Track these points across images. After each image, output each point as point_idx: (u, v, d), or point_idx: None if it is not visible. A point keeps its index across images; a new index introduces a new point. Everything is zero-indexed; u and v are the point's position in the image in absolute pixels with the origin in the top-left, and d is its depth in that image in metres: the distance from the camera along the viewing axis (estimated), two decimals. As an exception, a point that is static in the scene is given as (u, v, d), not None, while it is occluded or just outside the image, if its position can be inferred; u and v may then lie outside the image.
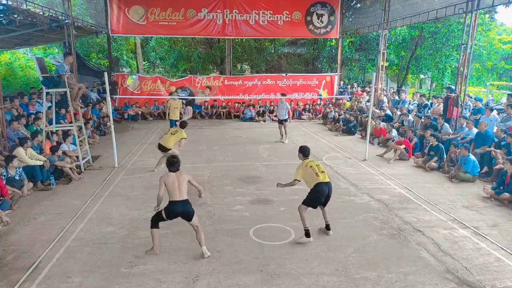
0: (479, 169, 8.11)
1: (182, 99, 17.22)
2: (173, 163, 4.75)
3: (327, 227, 5.48)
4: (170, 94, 11.74)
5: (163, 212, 4.70)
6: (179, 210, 4.67)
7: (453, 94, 10.82)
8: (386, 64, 17.97)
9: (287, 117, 11.83)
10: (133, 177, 8.15)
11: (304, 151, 5.56)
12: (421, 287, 4.20)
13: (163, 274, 4.41)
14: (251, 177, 8.16)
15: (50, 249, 4.96)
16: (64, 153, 8.53)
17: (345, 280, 4.31)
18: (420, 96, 14.18)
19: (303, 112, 17.22)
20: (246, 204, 6.60)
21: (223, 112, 17.19)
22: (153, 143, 11.52)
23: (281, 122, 11.89)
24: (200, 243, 4.82)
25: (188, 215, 4.72)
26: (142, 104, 17.05)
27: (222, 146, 11.17)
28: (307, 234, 5.19)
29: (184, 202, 4.69)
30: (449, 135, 9.98)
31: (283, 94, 12.80)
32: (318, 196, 5.20)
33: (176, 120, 11.30)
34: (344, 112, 15.11)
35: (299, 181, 5.33)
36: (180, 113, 12.18)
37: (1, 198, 6.16)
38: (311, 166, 5.33)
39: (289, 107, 12.29)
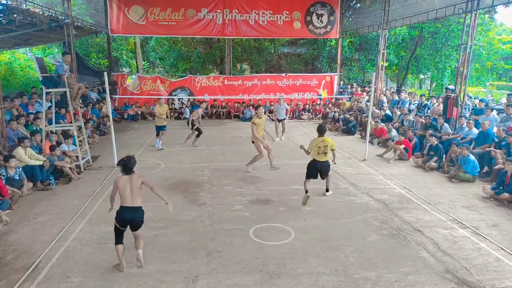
0: (478, 169, 8.12)
1: (180, 98, 17.30)
2: (124, 165, 4.37)
3: (326, 190, 7.06)
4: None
5: (115, 222, 4.37)
6: (128, 216, 4.32)
7: (453, 94, 10.83)
8: (385, 64, 17.98)
9: (286, 116, 12.13)
10: (133, 177, 8.14)
11: (319, 130, 6.77)
12: (421, 287, 4.20)
13: (163, 274, 4.40)
14: (251, 177, 8.16)
15: (50, 249, 4.96)
16: (64, 153, 8.53)
17: (344, 280, 4.31)
18: (421, 96, 14.21)
19: (303, 112, 17.23)
20: (246, 204, 6.60)
21: (223, 112, 17.19)
22: (153, 143, 11.52)
23: (280, 121, 12.11)
24: (137, 247, 4.46)
25: (136, 224, 4.37)
26: (142, 104, 17.05)
27: (222, 146, 11.16)
28: (306, 192, 6.60)
29: (134, 209, 4.33)
30: (449, 135, 9.99)
31: (280, 98, 12.86)
32: (311, 168, 6.69)
33: (163, 126, 10.71)
34: (343, 112, 15.12)
35: (310, 153, 6.68)
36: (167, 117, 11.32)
37: (1, 198, 6.15)
38: (319, 147, 6.59)
39: (288, 107, 12.51)
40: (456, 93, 10.68)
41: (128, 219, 4.34)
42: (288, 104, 17.21)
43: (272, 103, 17.03)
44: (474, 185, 7.81)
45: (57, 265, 4.57)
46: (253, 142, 8.59)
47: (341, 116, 14.41)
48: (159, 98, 11.50)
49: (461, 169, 8.12)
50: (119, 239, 4.44)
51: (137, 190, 4.37)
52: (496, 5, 11.57)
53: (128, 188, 4.33)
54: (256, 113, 8.74)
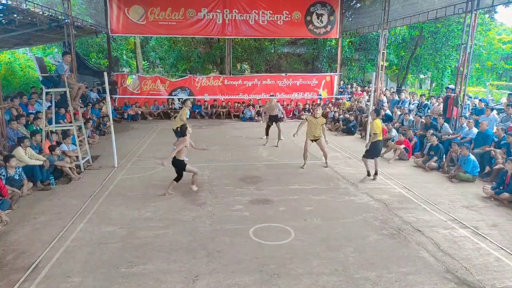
0: (478, 169, 8.12)
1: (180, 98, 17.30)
2: (178, 131, 6.93)
3: (376, 173, 8.00)
4: (184, 101, 10.76)
5: None
6: (173, 163, 6.73)
7: (453, 94, 10.83)
8: (386, 64, 17.98)
9: (282, 116, 12.52)
10: (133, 177, 8.15)
11: (377, 112, 7.99)
12: (421, 287, 4.20)
13: (163, 274, 4.41)
14: (251, 177, 8.16)
15: (50, 249, 4.96)
16: (63, 153, 8.52)
17: (344, 280, 4.31)
18: (421, 96, 14.21)
19: (303, 112, 17.22)
20: (246, 204, 6.60)
21: (223, 112, 17.19)
22: (153, 143, 11.54)
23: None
24: (192, 183, 7.13)
25: (177, 168, 6.83)
26: (142, 104, 17.05)
27: (222, 146, 11.16)
28: (368, 173, 8.09)
29: (178, 161, 6.70)
30: (448, 135, 9.99)
31: (272, 95, 12.82)
32: (376, 149, 7.89)
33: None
34: (343, 112, 15.11)
35: (377, 133, 7.74)
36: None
37: (1, 198, 6.15)
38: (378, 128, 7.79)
39: (281, 107, 12.97)
40: (456, 93, 10.68)
41: (174, 165, 6.77)
42: (288, 104, 17.25)
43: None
44: (474, 185, 7.81)
45: (57, 265, 4.57)
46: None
47: (341, 116, 14.41)
48: (186, 100, 10.67)
49: (461, 169, 8.12)
50: (176, 177, 6.96)
51: (180, 148, 6.69)
52: (496, 5, 11.57)
53: (180, 146, 6.70)
54: (312, 112, 9.16)
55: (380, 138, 7.96)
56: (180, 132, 6.84)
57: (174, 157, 6.67)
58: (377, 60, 16.03)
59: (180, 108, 16.99)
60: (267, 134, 11.52)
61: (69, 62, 8.55)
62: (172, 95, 17.29)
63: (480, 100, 12.63)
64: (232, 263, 4.65)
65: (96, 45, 22.35)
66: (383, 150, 10.30)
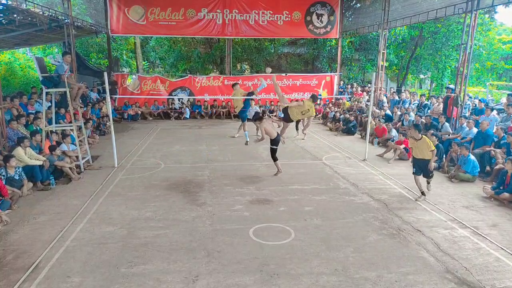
0: (478, 169, 8.11)
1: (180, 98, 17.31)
2: (255, 119, 8.24)
3: (428, 187, 7.37)
4: (234, 85, 12.34)
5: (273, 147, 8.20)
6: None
7: (453, 94, 10.83)
8: (386, 64, 17.99)
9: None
10: (133, 177, 8.15)
11: (419, 129, 7.02)
12: (421, 287, 4.20)
13: (163, 274, 4.41)
14: (251, 177, 8.17)
15: (50, 249, 4.96)
16: (63, 153, 8.52)
17: (344, 280, 4.31)
18: (421, 96, 14.22)
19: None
20: (246, 204, 6.60)
21: (223, 112, 17.18)
22: (153, 143, 11.54)
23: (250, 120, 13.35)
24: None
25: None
26: (142, 104, 17.05)
27: (222, 146, 11.16)
28: (423, 193, 7.06)
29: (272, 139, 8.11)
30: (449, 135, 9.99)
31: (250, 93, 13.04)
32: (413, 164, 7.22)
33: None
34: (343, 112, 15.11)
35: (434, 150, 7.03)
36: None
37: (1, 198, 6.15)
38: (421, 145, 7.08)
39: (258, 109, 14.26)
40: (456, 93, 10.68)
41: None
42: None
43: (272, 103, 17.03)
44: (474, 185, 7.81)
45: (57, 265, 4.57)
46: None
47: (341, 116, 14.41)
48: (252, 92, 12.32)
49: (461, 169, 8.12)
50: (276, 157, 8.29)
51: (267, 128, 7.98)
52: (496, 5, 11.58)
53: (262, 128, 8.00)
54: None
55: (417, 156, 7.10)
56: (257, 119, 8.09)
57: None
58: (377, 60, 16.04)
59: (180, 107, 17.09)
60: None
61: (69, 62, 8.56)
62: (172, 95, 17.29)
63: (480, 100, 12.63)
64: (232, 263, 4.65)
65: (96, 45, 22.34)
66: (383, 150, 10.35)
